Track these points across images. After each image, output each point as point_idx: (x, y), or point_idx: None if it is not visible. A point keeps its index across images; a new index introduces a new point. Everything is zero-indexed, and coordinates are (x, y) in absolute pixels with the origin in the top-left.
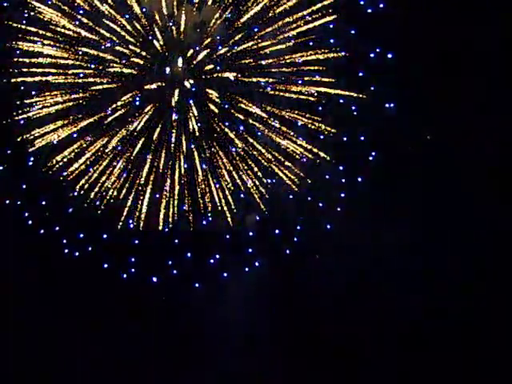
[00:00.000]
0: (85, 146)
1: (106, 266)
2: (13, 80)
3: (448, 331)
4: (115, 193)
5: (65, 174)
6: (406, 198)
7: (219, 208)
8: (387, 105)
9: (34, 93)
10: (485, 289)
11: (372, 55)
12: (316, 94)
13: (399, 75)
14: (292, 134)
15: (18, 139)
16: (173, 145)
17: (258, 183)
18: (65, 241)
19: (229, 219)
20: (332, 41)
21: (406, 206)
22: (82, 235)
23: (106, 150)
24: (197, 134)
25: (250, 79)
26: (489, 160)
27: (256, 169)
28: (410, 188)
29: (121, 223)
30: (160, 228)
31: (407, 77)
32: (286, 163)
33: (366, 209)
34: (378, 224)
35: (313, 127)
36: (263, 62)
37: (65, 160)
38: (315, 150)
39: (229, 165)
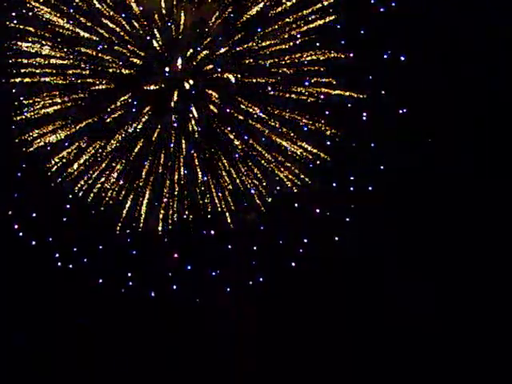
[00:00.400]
0: (83, 147)
1: (103, 276)
2: (11, 80)
3: None
4: (114, 194)
5: (61, 177)
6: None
7: (219, 209)
8: (400, 111)
9: (24, 96)
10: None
11: (385, 56)
12: (321, 96)
13: (411, 78)
14: (296, 136)
15: (16, 140)
16: (172, 146)
17: (257, 183)
18: (57, 255)
19: (228, 220)
20: (341, 41)
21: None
22: (77, 246)
23: (105, 152)
24: (196, 135)
25: (250, 80)
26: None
27: (256, 170)
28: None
29: (120, 224)
30: (160, 228)
31: (419, 80)
32: (290, 166)
33: (376, 219)
34: (390, 236)
35: (313, 128)
36: (263, 62)
37: (64, 160)
38: (321, 155)
39: (228, 165)
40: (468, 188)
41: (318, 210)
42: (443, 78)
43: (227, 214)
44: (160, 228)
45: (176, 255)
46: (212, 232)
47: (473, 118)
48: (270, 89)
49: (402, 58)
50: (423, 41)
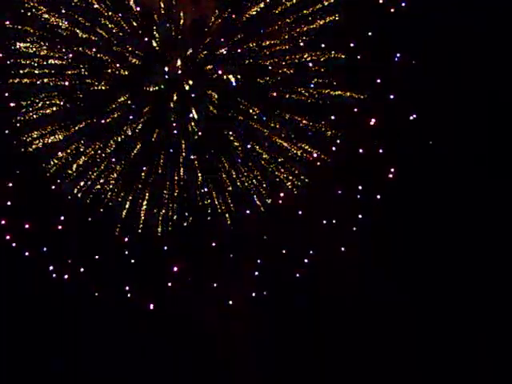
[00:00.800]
0: (82, 148)
1: (99, 286)
2: (9, 81)
3: None
4: (113, 196)
5: (60, 179)
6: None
7: (219, 211)
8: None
9: (23, 96)
10: None
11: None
12: (328, 102)
13: (422, 83)
14: (297, 137)
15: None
16: (171, 148)
17: (257, 184)
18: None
19: (228, 222)
20: (341, 41)
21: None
22: (72, 256)
23: (104, 154)
24: (196, 137)
25: (250, 80)
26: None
27: (256, 171)
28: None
29: (119, 226)
30: (159, 230)
31: (431, 84)
32: (291, 167)
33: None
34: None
35: (314, 129)
36: (263, 62)
37: (63, 161)
38: (322, 156)
39: (228, 166)
40: (469, 189)
41: (324, 221)
42: (446, 79)
43: (227, 215)
44: (159, 230)
45: (175, 268)
46: (213, 244)
47: (476, 120)
48: (270, 89)
49: (413, 62)
50: (424, 41)
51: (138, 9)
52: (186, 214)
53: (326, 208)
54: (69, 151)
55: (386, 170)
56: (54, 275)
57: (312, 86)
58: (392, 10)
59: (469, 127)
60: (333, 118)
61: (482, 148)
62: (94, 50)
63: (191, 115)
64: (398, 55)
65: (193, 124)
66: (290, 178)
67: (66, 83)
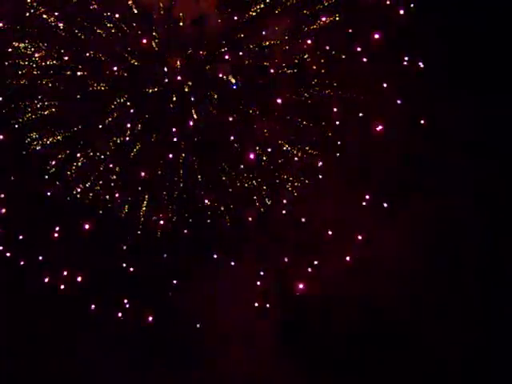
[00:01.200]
0: (81, 149)
1: (97, 295)
2: (7, 82)
3: None
4: (112, 197)
5: (59, 180)
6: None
7: (219, 212)
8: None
9: (21, 98)
10: None
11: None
12: (334, 109)
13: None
14: (297, 138)
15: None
16: (171, 149)
17: (257, 185)
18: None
19: (228, 223)
20: (341, 41)
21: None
22: (69, 266)
23: (103, 155)
24: (195, 139)
25: (251, 81)
26: None
27: (256, 172)
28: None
29: (119, 227)
30: (158, 233)
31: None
32: (291, 168)
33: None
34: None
35: (314, 130)
36: (264, 62)
37: (61, 163)
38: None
39: (228, 167)
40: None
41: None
42: (447, 79)
43: (227, 217)
44: (159, 232)
45: (175, 281)
46: (215, 256)
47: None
48: (270, 90)
49: (421, 65)
50: (424, 41)
51: (136, 11)
52: (186, 215)
53: (326, 210)
54: (67, 152)
55: (387, 170)
56: (49, 285)
57: (312, 86)
58: (393, 12)
59: (469, 127)
60: (333, 118)
61: (483, 147)
62: (93, 50)
63: (191, 116)
64: (399, 55)
65: (192, 124)
66: (291, 179)
67: (65, 84)
